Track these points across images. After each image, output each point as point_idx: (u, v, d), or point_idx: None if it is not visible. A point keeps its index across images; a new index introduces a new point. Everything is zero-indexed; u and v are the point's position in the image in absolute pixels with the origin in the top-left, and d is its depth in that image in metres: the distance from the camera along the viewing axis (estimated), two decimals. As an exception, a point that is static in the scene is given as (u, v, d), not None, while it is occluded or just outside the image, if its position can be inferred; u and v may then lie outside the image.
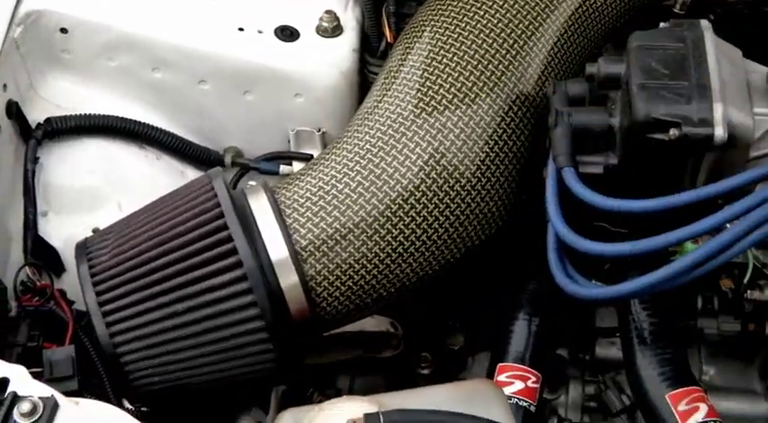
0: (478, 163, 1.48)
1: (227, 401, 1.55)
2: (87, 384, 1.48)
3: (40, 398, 1.26)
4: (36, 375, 1.43)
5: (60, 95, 1.76)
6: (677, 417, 1.35)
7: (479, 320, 1.82)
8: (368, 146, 1.49)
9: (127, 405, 1.49)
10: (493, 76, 1.53)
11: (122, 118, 1.74)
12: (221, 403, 1.54)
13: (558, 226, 1.37)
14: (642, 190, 1.33)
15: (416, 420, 1.21)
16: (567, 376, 1.72)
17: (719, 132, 1.30)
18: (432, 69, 1.53)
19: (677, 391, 1.37)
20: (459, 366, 1.83)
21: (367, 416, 1.19)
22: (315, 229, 1.45)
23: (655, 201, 1.30)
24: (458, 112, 1.50)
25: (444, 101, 1.50)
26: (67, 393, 1.40)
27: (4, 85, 1.64)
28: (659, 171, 1.38)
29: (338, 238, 1.45)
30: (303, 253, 1.44)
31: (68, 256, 1.65)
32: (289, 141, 1.81)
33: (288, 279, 1.43)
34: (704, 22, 1.47)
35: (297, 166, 1.80)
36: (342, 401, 1.25)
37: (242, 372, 1.44)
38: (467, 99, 1.51)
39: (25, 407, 1.24)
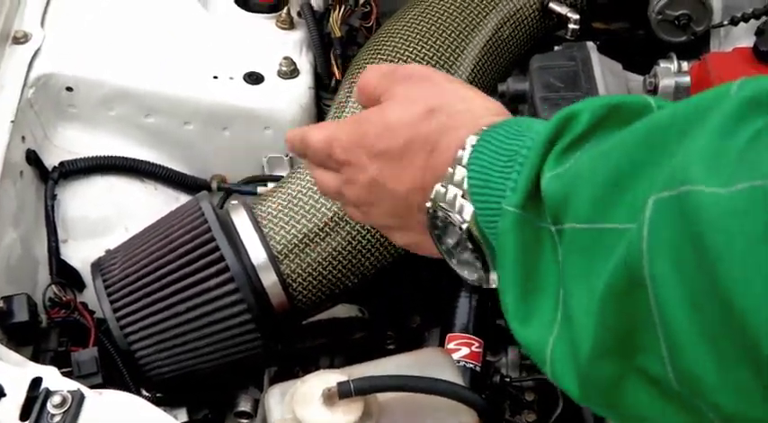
0: (413, 175, 1.50)
1: (227, 383, 1.55)
2: (110, 379, 1.48)
3: (68, 391, 1.26)
4: (66, 374, 1.44)
5: (70, 142, 1.75)
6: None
7: (430, 303, 1.83)
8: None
9: (144, 393, 1.49)
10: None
11: (123, 157, 1.74)
12: (223, 385, 1.55)
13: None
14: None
15: (380, 384, 1.22)
16: (506, 341, 1.73)
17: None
18: None
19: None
20: (418, 341, 1.83)
21: (340, 384, 1.21)
22: (287, 236, 1.46)
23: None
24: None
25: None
26: (93, 387, 1.41)
27: (23, 137, 1.64)
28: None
29: (306, 241, 1.46)
30: (279, 256, 1.45)
31: (87, 275, 1.64)
32: (263, 166, 1.81)
33: (268, 279, 1.44)
34: (590, 44, 1.50)
35: (271, 186, 1.80)
36: (318, 374, 1.26)
37: (236, 357, 1.45)
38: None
39: (56, 399, 1.24)
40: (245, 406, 1.54)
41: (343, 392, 1.20)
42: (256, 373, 1.59)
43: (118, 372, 1.50)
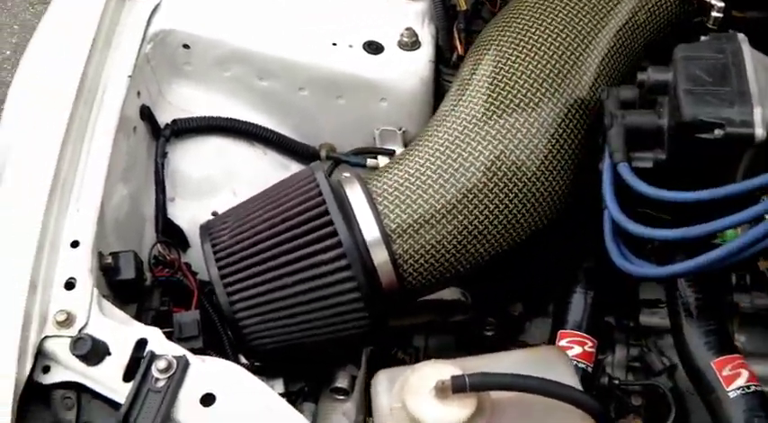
0: (542, 158, 1.40)
1: (327, 358, 1.49)
2: (209, 342, 1.43)
3: (174, 356, 1.21)
4: (167, 335, 1.40)
5: (184, 101, 1.70)
6: (722, 381, 1.26)
7: (535, 291, 1.73)
8: (446, 143, 1.41)
9: (242, 360, 1.43)
10: (553, 84, 1.44)
11: (235, 119, 1.68)
12: (322, 360, 1.48)
13: (615, 213, 1.28)
14: (686, 182, 1.25)
15: (496, 382, 1.14)
16: (614, 340, 1.63)
17: (759, 132, 1.21)
18: (499, 78, 1.45)
19: (721, 358, 1.27)
20: (518, 330, 1.75)
21: (454, 377, 1.13)
22: (402, 215, 1.38)
23: (703, 193, 1.22)
24: (523, 114, 1.41)
25: (512, 105, 1.42)
26: (193, 350, 1.37)
27: (138, 93, 1.59)
28: (703, 166, 1.28)
29: (421, 222, 1.38)
30: (392, 235, 1.37)
31: (192, 235, 1.61)
32: (374, 138, 1.74)
33: (380, 257, 1.37)
34: (741, 36, 1.37)
35: (381, 159, 1.72)
36: (430, 365, 1.18)
37: (339, 335, 1.38)
38: (531, 104, 1.42)
39: (162, 364, 1.19)
40: (341, 382, 1.48)
41: (458, 387, 1.12)
42: (354, 350, 1.52)
43: (217, 336, 1.45)
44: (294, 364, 1.46)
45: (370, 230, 1.36)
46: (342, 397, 1.49)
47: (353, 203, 1.38)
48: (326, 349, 1.42)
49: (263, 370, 1.43)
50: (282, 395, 1.42)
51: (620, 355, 1.61)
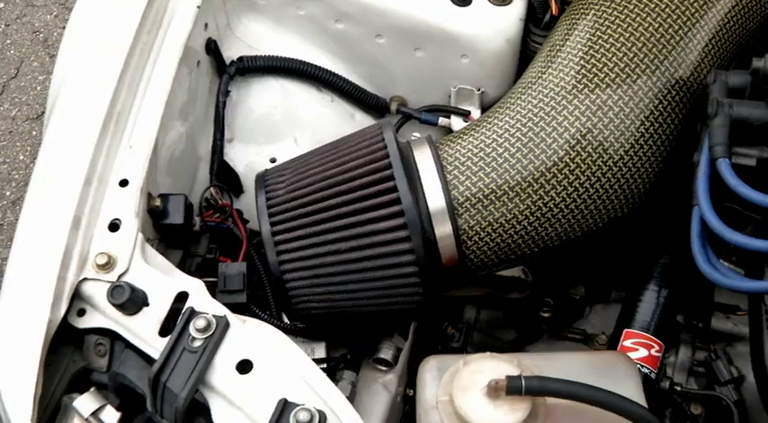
0: (632, 142, 1.26)
1: (372, 326, 1.40)
2: (254, 297, 1.35)
3: (214, 316, 1.13)
4: (211, 285, 1.32)
5: (252, 37, 1.60)
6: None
7: (601, 275, 1.61)
8: (529, 114, 1.28)
9: (285, 320, 1.36)
10: (655, 60, 1.29)
11: (304, 62, 1.57)
12: (368, 327, 1.40)
13: (707, 215, 1.15)
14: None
15: (554, 388, 1.04)
16: (680, 339, 1.51)
17: None
18: (596, 47, 1.30)
19: (805, 381, 1.15)
20: (577, 314, 1.64)
21: (510, 378, 1.03)
22: (472, 187, 1.26)
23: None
24: (618, 91, 1.27)
25: (606, 79, 1.28)
26: (236, 305, 1.29)
27: (206, 24, 1.48)
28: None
29: (493, 197, 1.26)
30: (459, 208, 1.26)
31: (247, 180, 1.53)
32: (449, 96, 1.61)
33: (443, 229, 1.26)
34: None
35: (454, 119, 1.61)
36: (485, 359, 1.08)
37: (390, 308, 1.29)
38: (627, 79, 1.27)
39: (201, 323, 1.12)
40: (386, 353, 1.40)
41: (512, 389, 1.03)
42: (404, 321, 1.44)
43: (262, 290, 1.37)
44: (339, 331, 1.38)
45: (435, 200, 1.25)
46: (384, 368, 1.41)
47: (421, 169, 1.27)
48: (375, 320, 1.33)
49: (305, 332, 1.36)
50: (323, 360, 1.37)
51: (684, 357, 1.50)
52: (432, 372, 1.12)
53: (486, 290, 1.62)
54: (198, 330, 1.11)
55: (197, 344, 1.11)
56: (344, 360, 1.38)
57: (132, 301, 1.13)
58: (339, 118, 1.59)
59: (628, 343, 1.33)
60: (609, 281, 1.61)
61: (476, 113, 1.59)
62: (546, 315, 1.61)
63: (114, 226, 1.21)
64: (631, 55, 1.29)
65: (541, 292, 1.61)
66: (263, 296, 1.38)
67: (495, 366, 1.06)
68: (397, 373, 1.44)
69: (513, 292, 1.63)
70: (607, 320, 1.55)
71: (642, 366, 1.30)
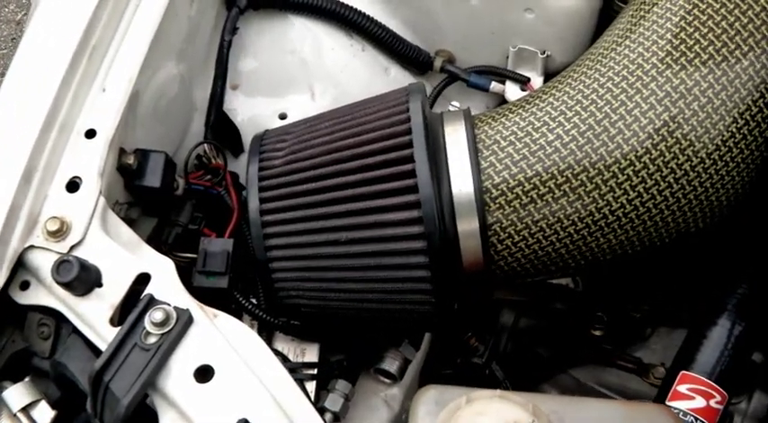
0: (719, 143, 1.16)
1: (375, 333, 1.34)
2: (242, 281, 1.30)
3: (175, 308, 1.09)
4: (188, 263, 1.28)
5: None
6: None
7: (670, 294, 1.52)
8: (595, 94, 1.19)
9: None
10: (763, 41, 1.17)
11: (334, 0, 1.49)
12: (368, 334, 1.34)
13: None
14: None
15: (573, 447, 0.97)
16: (754, 383, 1.42)
17: None
18: (692, 17, 1.19)
19: None
20: (635, 337, 1.55)
21: (519, 428, 0.97)
22: (510, 179, 1.18)
23: None
24: (711, 76, 1.16)
25: (698, 60, 1.17)
26: (214, 290, 1.25)
27: (215, -59, 1.41)
28: None
29: (535, 194, 1.17)
30: (491, 203, 1.18)
31: (249, 137, 1.45)
32: (507, 58, 1.53)
33: (467, 226, 1.18)
34: None
35: (510, 86, 1.52)
36: (491, 398, 1.01)
37: (395, 316, 1.23)
38: (725, 63, 1.17)
39: (158, 315, 1.07)
40: (390, 365, 1.35)
41: (520, 442, 0.96)
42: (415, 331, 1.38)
43: (252, 275, 1.32)
44: (336, 332, 1.32)
45: (462, 190, 1.17)
46: (387, 381, 1.36)
47: (450, 150, 1.19)
48: (376, 327, 1.28)
49: (297, 329, 1.31)
50: (314, 365, 1.32)
51: (758, 405, 1.41)
52: (428, 405, 1.05)
53: (527, 296, 1.56)
54: (154, 324, 1.07)
55: (151, 340, 1.06)
56: (340, 367, 1.33)
57: (81, 279, 1.09)
58: (370, 71, 1.52)
59: (682, 388, 1.24)
60: (680, 301, 1.52)
61: (537, 81, 1.51)
62: (597, 333, 1.54)
63: (73, 185, 1.16)
64: (734, 31, 1.18)
65: (595, 305, 1.54)
66: (253, 281, 1.33)
67: (503, 410, 0.99)
68: (403, 388, 1.39)
69: (560, 302, 1.56)
70: (671, 348, 1.46)
71: (695, 420, 1.22)
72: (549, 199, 1.18)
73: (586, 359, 1.55)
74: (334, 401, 1.31)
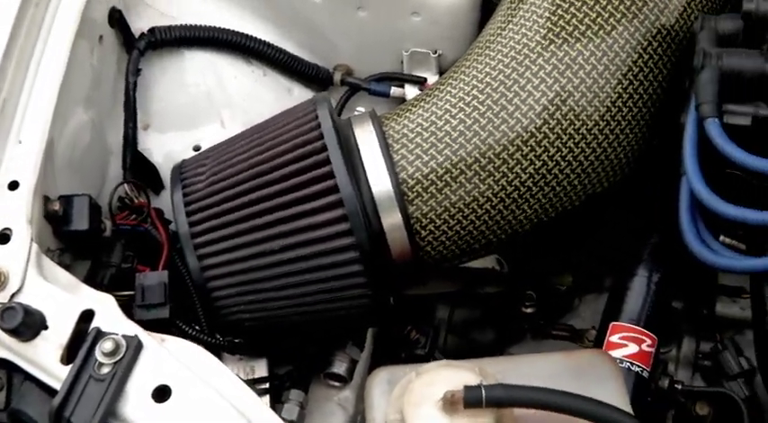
0: (608, 104, 1.25)
1: (322, 337, 1.39)
2: (180, 311, 1.33)
3: (123, 336, 1.11)
4: (128, 300, 1.30)
5: (165, 2, 1.58)
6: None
7: (590, 262, 1.60)
8: (487, 79, 1.27)
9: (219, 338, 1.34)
10: (633, 7, 1.27)
11: (229, 30, 1.56)
12: (316, 339, 1.38)
13: (697, 185, 1.14)
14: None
15: (520, 397, 1.03)
16: (680, 330, 1.51)
17: None
18: None
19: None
20: (565, 307, 1.63)
21: (467, 388, 1.02)
22: (423, 168, 1.25)
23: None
24: (590, 45, 1.25)
25: (576, 32, 1.26)
26: (158, 322, 1.28)
27: (108, -10, 1.46)
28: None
29: (448, 178, 1.25)
30: (409, 193, 1.25)
31: (167, 173, 1.49)
32: (402, 62, 1.60)
33: (391, 219, 1.25)
34: None
35: (409, 88, 1.59)
36: (440, 367, 1.07)
37: (336, 314, 1.28)
38: (602, 31, 1.26)
39: (108, 346, 1.10)
40: (339, 368, 1.39)
41: (471, 401, 1.01)
42: (358, 329, 1.42)
43: (191, 303, 1.35)
44: (281, 344, 1.36)
45: (380, 185, 1.24)
46: (338, 384, 1.40)
47: (363, 149, 1.26)
48: (319, 329, 1.32)
49: (243, 347, 1.35)
50: (265, 379, 1.35)
51: (688, 350, 1.51)
52: (381, 385, 1.11)
53: (458, 285, 1.62)
54: (105, 354, 1.09)
55: (105, 370, 1.09)
56: (290, 378, 1.37)
57: (26, 324, 1.11)
58: (274, 94, 1.58)
59: (614, 338, 1.32)
60: (600, 266, 1.61)
61: (433, 80, 1.58)
62: (529, 311, 1.61)
63: (4, 237, 1.18)
64: (604, 2, 1.27)
65: (522, 284, 1.61)
66: (193, 307, 1.36)
67: (452, 376, 1.04)
68: (355, 389, 1.43)
69: (489, 285, 1.62)
70: (599, 313, 1.54)
71: (632, 364, 1.29)
72: (463, 180, 1.25)
73: (523, 336, 1.61)
74: (290, 411, 1.35)
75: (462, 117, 1.26)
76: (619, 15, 1.27)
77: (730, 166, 1.18)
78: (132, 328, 1.14)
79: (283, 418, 1.31)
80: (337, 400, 1.41)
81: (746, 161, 1.10)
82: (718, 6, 1.35)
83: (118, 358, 1.10)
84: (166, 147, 1.52)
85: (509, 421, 1.04)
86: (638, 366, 1.30)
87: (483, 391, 1.01)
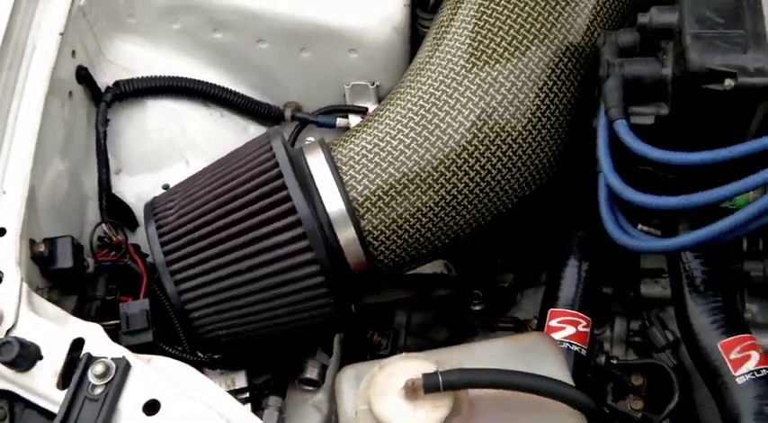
0: (529, 116, 1.29)
1: (293, 346, 1.41)
2: (162, 334, 1.35)
3: (113, 359, 1.13)
4: (114, 328, 1.32)
5: (127, 58, 1.59)
6: (729, 365, 1.18)
7: (527, 259, 1.65)
8: (420, 102, 1.31)
9: (200, 355, 1.36)
10: (542, 29, 1.32)
11: (186, 78, 1.58)
12: (288, 348, 1.41)
13: (611, 179, 1.19)
14: (692, 141, 1.15)
15: (474, 379, 1.06)
16: (612, 312, 1.55)
17: (776, 82, 1.10)
18: (482, 23, 1.34)
19: (729, 339, 1.19)
20: (509, 302, 1.67)
21: (426, 376, 1.05)
22: (370, 185, 1.28)
23: (710, 153, 1.11)
24: (508, 65, 1.30)
25: (495, 55, 1.31)
26: (143, 346, 1.29)
27: (73, 52, 1.48)
28: (712, 122, 1.18)
29: (393, 193, 1.28)
30: (360, 209, 1.28)
31: (140, 212, 1.50)
32: (344, 95, 1.64)
33: (346, 234, 1.28)
34: (756, -30, 1.24)
35: (353, 118, 1.63)
36: (399, 360, 1.10)
37: (304, 323, 1.30)
38: (517, 52, 1.31)
39: (99, 368, 1.12)
40: (311, 373, 1.41)
41: (430, 387, 1.04)
42: (324, 337, 1.45)
43: (171, 325, 1.37)
44: (257, 356, 1.38)
45: (333, 205, 1.27)
46: (311, 388, 1.42)
47: (315, 174, 1.29)
48: (291, 338, 1.35)
49: (222, 362, 1.36)
50: (245, 389, 1.37)
51: (620, 330, 1.55)
52: (349, 381, 1.13)
53: (411, 291, 1.65)
54: (97, 376, 1.11)
55: (98, 391, 1.10)
56: (268, 386, 1.39)
57: (23, 356, 1.12)
58: (232, 133, 1.60)
59: (554, 323, 1.36)
60: (537, 263, 1.65)
61: (373, 109, 1.61)
62: (477, 308, 1.65)
63: (-5, 279, 1.20)
64: (518, 26, 1.32)
65: (470, 285, 1.65)
66: (173, 331, 1.37)
67: (411, 366, 1.07)
68: (327, 391, 1.45)
69: (440, 289, 1.66)
70: (539, 304, 1.57)
71: (571, 344, 1.33)
72: (406, 193, 1.28)
73: (474, 331, 1.65)
74: (269, 416, 1.37)
75: (401, 138, 1.30)
76: (531, 37, 1.32)
77: (640, 163, 1.24)
78: (120, 352, 1.15)
79: (265, 423, 1.33)
80: (312, 403, 1.43)
81: (651, 154, 1.14)
82: (618, 22, 1.41)
83: (109, 379, 1.11)
84: (137, 188, 1.53)
85: (466, 401, 1.08)
86: (577, 346, 1.34)
87: (440, 377, 1.05)
